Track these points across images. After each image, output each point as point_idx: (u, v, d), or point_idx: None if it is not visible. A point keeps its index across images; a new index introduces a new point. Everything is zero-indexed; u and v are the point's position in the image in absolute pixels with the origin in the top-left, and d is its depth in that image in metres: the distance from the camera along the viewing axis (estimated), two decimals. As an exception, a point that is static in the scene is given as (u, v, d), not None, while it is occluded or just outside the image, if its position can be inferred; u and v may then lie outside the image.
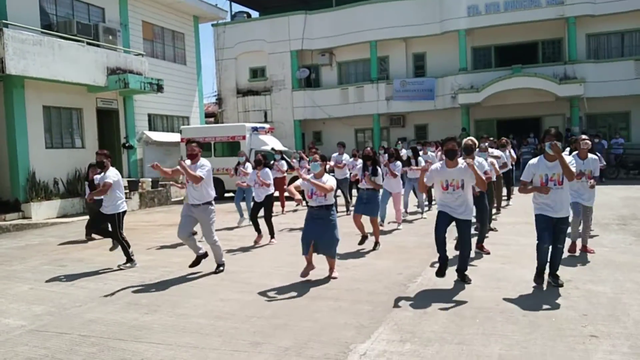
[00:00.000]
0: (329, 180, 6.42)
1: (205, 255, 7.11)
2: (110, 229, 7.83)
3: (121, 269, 7.67)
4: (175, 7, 21.19)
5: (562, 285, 5.65)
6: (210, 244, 7.00)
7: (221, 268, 7.14)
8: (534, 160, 5.77)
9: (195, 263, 7.07)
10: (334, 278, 6.45)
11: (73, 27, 15.83)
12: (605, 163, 7.78)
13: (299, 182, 6.51)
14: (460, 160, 5.88)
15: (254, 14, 30.16)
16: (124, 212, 7.93)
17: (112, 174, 7.80)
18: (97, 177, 7.97)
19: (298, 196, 6.49)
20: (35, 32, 14.74)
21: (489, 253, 7.47)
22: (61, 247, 9.94)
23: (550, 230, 5.59)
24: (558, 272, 5.78)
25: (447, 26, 23.31)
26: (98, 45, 16.49)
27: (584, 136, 7.40)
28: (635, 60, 21.13)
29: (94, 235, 10.42)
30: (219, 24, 26.91)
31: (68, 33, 15.67)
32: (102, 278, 7.20)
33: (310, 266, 6.48)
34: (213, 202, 7.03)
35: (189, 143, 7.02)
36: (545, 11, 21.85)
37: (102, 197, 7.84)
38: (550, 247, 5.65)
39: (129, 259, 7.82)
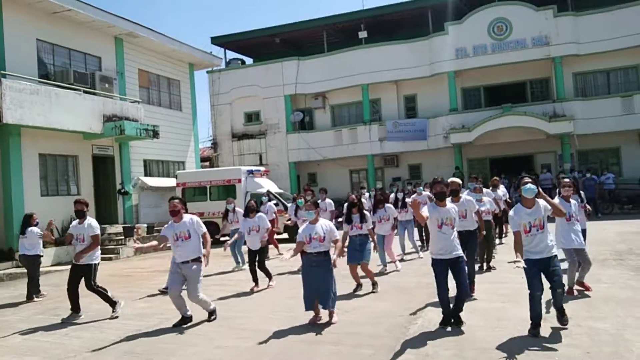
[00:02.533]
0: (331, 228, 6.47)
1: (190, 318, 6.85)
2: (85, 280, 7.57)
3: (115, 317, 7.50)
4: (171, 56, 21.64)
5: (566, 322, 5.50)
6: (194, 301, 6.75)
7: (213, 317, 6.92)
8: (512, 212, 5.66)
9: (180, 323, 6.78)
10: (333, 323, 6.36)
11: (70, 76, 16.10)
12: (584, 200, 7.82)
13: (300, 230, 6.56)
14: (449, 201, 6.07)
15: (248, 60, 30.82)
16: (98, 264, 7.74)
17: (96, 224, 7.69)
18: (74, 224, 7.69)
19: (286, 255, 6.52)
20: (33, 82, 14.97)
21: (471, 295, 7.27)
22: (55, 296, 9.78)
23: (539, 276, 5.45)
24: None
25: (437, 68, 23.86)
26: (94, 94, 16.74)
27: (566, 180, 7.40)
28: (622, 97, 21.60)
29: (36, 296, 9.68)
30: (213, 70, 27.45)
31: (65, 82, 15.92)
32: (98, 327, 7.08)
33: (317, 316, 6.49)
34: (202, 258, 6.80)
35: (171, 200, 6.84)
36: (531, 52, 22.46)
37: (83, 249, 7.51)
38: (550, 291, 5.49)
39: (113, 303, 7.64)
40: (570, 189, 7.11)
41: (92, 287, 7.58)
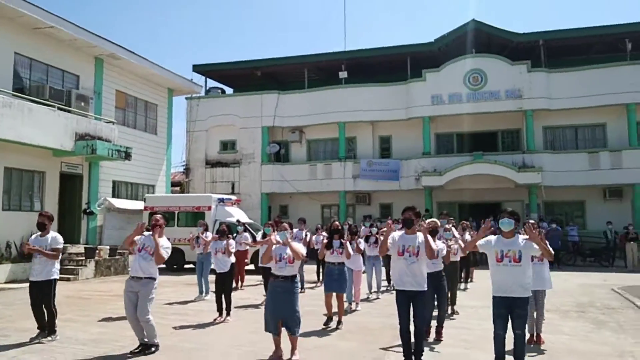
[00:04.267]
0: (300, 247, 6.41)
1: (147, 347, 6.62)
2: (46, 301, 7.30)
3: (41, 342, 7.16)
4: (151, 79, 21.63)
5: None
6: (142, 321, 6.55)
7: (153, 349, 6.63)
8: (492, 237, 5.76)
9: (136, 350, 6.58)
10: (295, 361, 6.20)
11: (46, 92, 15.91)
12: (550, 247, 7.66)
13: (273, 245, 6.49)
14: (419, 233, 5.93)
15: (228, 90, 30.97)
16: (57, 280, 7.50)
17: (59, 238, 7.50)
18: (34, 236, 7.48)
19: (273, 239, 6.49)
20: (6, 95, 14.70)
21: (441, 340, 7.33)
22: (7, 315, 9.36)
23: (504, 317, 5.47)
24: None
25: (413, 113, 24.40)
26: (69, 111, 16.52)
27: (531, 221, 7.48)
28: (589, 153, 22.37)
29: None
30: (193, 97, 27.46)
31: (40, 97, 15.70)
32: (48, 350, 6.77)
33: (279, 350, 6.29)
34: (156, 279, 6.77)
35: (154, 214, 7.05)
36: (504, 103, 23.21)
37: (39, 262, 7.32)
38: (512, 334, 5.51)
39: (53, 331, 7.37)
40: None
41: (50, 307, 7.31)
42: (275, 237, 6.59)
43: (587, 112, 22.81)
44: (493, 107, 23.30)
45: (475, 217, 22.44)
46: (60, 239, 7.54)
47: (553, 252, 6.46)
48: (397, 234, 6.03)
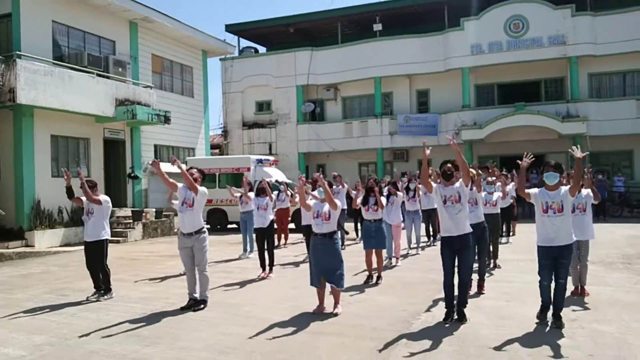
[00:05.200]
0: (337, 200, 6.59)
1: (197, 302, 6.94)
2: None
3: (99, 300, 7.61)
4: (185, 42, 21.67)
5: (562, 327, 5.53)
6: (200, 271, 6.93)
7: (202, 305, 6.93)
8: (536, 190, 5.93)
9: (187, 307, 6.90)
10: (336, 315, 6.37)
11: (84, 59, 16.17)
12: (597, 201, 7.33)
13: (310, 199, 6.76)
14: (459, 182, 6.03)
15: (261, 49, 30.77)
16: (108, 240, 7.90)
17: (104, 197, 7.87)
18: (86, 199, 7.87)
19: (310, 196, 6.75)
20: (47, 63, 15.05)
21: (483, 293, 7.35)
22: (63, 276, 9.91)
23: (550, 267, 5.65)
24: (561, 313, 5.66)
25: (451, 64, 23.70)
26: (108, 77, 16.80)
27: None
28: (637, 100, 21.34)
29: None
30: (226, 58, 27.45)
31: (79, 64, 15.99)
32: (104, 308, 7.17)
33: (322, 304, 6.55)
34: (205, 230, 7.06)
35: (190, 169, 7.14)
36: (547, 51, 22.22)
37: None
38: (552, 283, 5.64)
39: (109, 289, 7.81)
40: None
41: (103, 267, 7.75)
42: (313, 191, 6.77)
43: (635, 56, 21.57)
44: (535, 55, 22.35)
45: (517, 169, 21.89)
46: (105, 197, 7.91)
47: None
48: (437, 186, 6.12)
